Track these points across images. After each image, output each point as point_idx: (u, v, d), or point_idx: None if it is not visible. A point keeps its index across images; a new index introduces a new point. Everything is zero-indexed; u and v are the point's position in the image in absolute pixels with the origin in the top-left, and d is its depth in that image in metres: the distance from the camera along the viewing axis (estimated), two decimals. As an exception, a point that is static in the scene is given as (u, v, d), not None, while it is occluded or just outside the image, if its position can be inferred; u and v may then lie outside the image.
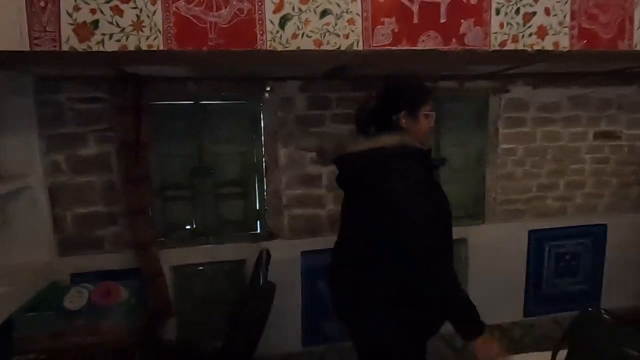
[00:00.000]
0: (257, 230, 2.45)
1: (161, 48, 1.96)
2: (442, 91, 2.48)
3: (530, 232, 2.71)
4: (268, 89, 2.30)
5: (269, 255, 2.14)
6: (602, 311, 1.28)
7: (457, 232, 2.57)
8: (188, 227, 2.38)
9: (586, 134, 2.71)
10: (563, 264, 2.77)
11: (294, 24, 2.05)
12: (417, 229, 1.32)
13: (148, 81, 2.15)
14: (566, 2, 2.33)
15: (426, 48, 2.15)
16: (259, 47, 2.03)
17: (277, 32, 2.04)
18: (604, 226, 2.79)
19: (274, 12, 2.03)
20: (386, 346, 1.47)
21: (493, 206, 2.65)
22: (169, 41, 1.97)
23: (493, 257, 2.66)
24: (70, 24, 1.77)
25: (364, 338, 1.54)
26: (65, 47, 1.76)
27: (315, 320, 2.51)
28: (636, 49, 2.40)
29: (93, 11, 1.79)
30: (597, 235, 2.79)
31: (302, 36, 2.07)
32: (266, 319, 1.93)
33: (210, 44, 1.98)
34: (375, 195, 1.39)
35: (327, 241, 2.43)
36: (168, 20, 1.95)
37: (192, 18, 1.96)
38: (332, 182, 2.40)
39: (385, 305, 1.44)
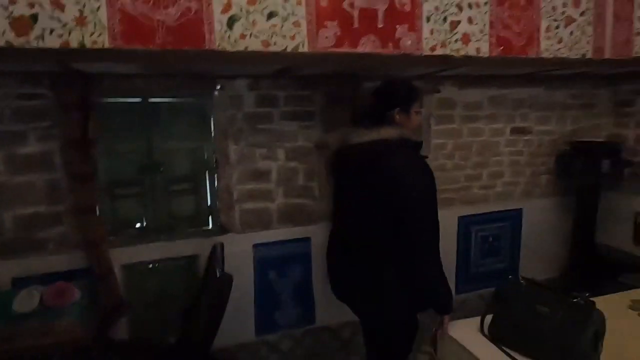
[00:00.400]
0: (209, 225, 2.50)
1: (107, 45, 1.95)
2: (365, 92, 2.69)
3: (460, 218, 3.02)
4: (218, 87, 2.35)
5: (223, 249, 2.22)
6: (520, 278, 1.53)
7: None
8: (138, 224, 2.37)
9: (504, 129, 3.07)
10: (487, 245, 3.13)
11: (242, 24, 2.13)
12: (423, 212, 1.52)
13: (94, 77, 2.11)
14: (485, 13, 2.63)
15: (367, 51, 2.34)
16: (207, 47, 2.09)
17: (226, 32, 2.11)
18: (520, 210, 3.19)
19: (222, 12, 2.09)
20: (394, 321, 1.71)
21: (427, 195, 2.93)
22: (115, 38, 1.97)
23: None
24: (6, 18, 1.71)
25: (375, 315, 1.75)
26: (0, 42, 1.70)
27: (268, 309, 2.62)
28: (542, 55, 2.78)
29: (31, 5, 1.74)
30: (514, 218, 3.18)
31: (250, 36, 2.16)
32: (224, 310, 2.00)
33: (158, 42, 2.01)
34: (384, 180, 1.54)
35: (278, 233, 2.58)
36: (113, 17, 1.94)
37: (138, 16, 1.97)
38: (281, 177, 2.54)
39: (396, 285, 1.62)
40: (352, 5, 2.31)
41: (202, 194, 2.47)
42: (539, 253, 3.26)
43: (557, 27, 2.82)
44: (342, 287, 1.84)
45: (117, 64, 2.04)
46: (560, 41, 2.84)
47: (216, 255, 2.19)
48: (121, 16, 1.95)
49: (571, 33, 2.87)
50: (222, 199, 2.47)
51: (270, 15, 2.20)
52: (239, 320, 2.46)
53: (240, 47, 2.14)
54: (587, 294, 1.34)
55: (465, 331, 1.57)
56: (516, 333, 1.41)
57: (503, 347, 1.42)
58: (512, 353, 1.39)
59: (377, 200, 1.57)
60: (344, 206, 1.77)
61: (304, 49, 2.25)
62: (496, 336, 1.47)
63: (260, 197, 2.54)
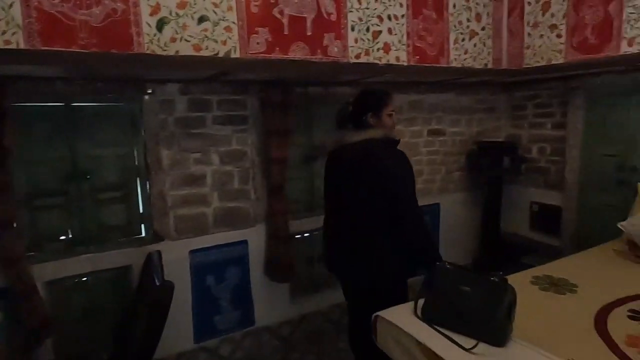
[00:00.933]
0: (141, 234, 2.42)
1: (22, 45, 1.83)
2: (312, 96, 2.80)
3: (386, 214, 3.25)
4: (149, 91, 2.29)
5: (160, 257, 2.17)
6: (446, 263, 1.72)
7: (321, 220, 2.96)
8: (63, 237, 2.22)
9: (422, 131, 3.36)
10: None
11: (172, 27, 2.11)
12: (409, 191, 1.89)
13: (9, 80, 1.95)
14: (403, 24, 2.87)
15: (297, 57, 2.44)
16: (135, 49, 2.04)
17: (155, 34, 2.08)
18: (438, 205, 3.51)
19: (151, 14, 2.06)
20: (391, 280, 1.95)
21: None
22: (32, 38, 1.85)
23: (359, 238, 3.12)
24: None
25: (375, 277, 1.92)
26: None
27: (207, 315, 2.60)
28: (452, 65, 3.10)
29: None
30: (433, 212, 3.49)
31: (181, 40, 2.15)
32: (165, 319, 1.97)
33: (81, 43, 1.92)
34: (375, 169, 1.87)
35: (214, 238, 2.57)
36: (29, 15, 1.83)
37: (57, 14, 1.87)
38: (216, 181, 2.54)
39: (391, 252, 1.89)
40: (281, 12, 2.40)
41: (133, 201, 2.38)
42: (455, 241, 3.61)
43: (463, 40, 3.17)
44: (341, 261, 2.06)
45: (35, 66, 1.91)
46: (466, 52, 3.20)
47: (153, 263, 2.14)
48: (38, 14, 1.84)
49: (475, 45, 3.24)
50: (155, 206, 2.40)
51: (201, 19, 2.20)
52: (176, 329, 2.41)
53: (171, 50, 2.12)
54: (501, 273, 1.56)
55: (401, 315, 1.73)
56: (445, 312, 1.59)
57: (435, 326, 1.60)
58: (443, 330, 1.57)
59: (371, 185, 1.88)
60: (342, 192, 2.02)
61: (236, 54, 2.29)
62: (428, 317, 1.65)
63: (195, 202, 2.52)
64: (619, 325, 1.63)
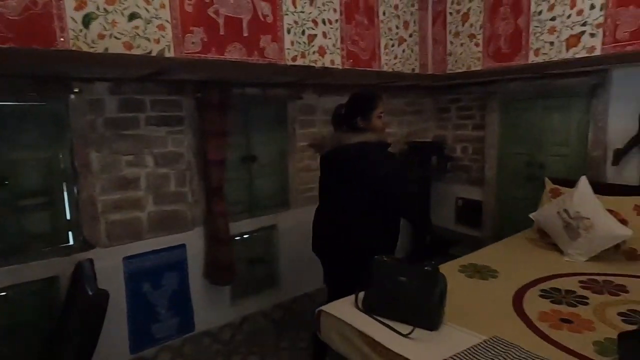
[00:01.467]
0: (69, 242, 2.26)
1: None
2: (249, 97, 2.80)
3: (324, 213, 3.33)
4: (76, 90, 2.16)
5: (92, 265, 2.05)
6: (383, 257, 1.82)
7: (268, 219, 2.99)
8: (-23, 249, 2.02)
9: (356, 132, 3.49)
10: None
11: (100, 23, 2.02)
12: (404, 181, 2.17)
13: None
14: (337, 29, 2.97)
15: (234, 59, 2.43)
16: (59, 45, 1.93)
17: (81, 30, 1.98)
18: (373, 202, 3.66)
19: (76, 9, 1.96)
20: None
21: (296, 194, 3.15)
22: None
23: (299, 238, 3.14)
24: None
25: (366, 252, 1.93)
26: None
27: (143, 324, 2.50)
28: (383, 69, 3.26)
29: None
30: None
31: (110, 37, 2.06)
32: (99, 330, 1.88)
33: (-5, 37, 1.78)
34: (369, 166, 2.05)
35: (150, 243, 2.49)
36: None
37: (-34, 5, 1.72)
38: (151, 184, 2.45)
39: (375, 237, 2.09)
40: (217, 12, 2.38)
41: (59, 207, 2.22)
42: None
43: (392, 45, 3.35)
44: (333, 244, 2.20)
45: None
46: (395, 57, 3.38)
47: (84, 273, 2.03)
48: (-58, 4, 1.68)
49: (403, 51, 3.44)
50: (85, 212, 2.27)
51: (132, 16, 2.13)
52: (111, 341, 2.29)
53: (100, 47, 2.02)
54: (433, 263, 1.69)
55: (343, 308, 1.81)
56: (384, 302, 1.69)
57: (374, 316, 1.69)
58: (382, 319, 1.67)
59: (365, 178, 2.06)
60: (339, 185, 2.16)
61: (170, 53, 2.24)
62: (368, 308, 1.74)
63: (128, 207, 2.41)
64: (533, 303, 1.84)
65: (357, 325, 1.67)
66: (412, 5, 3.47)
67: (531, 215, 2.64)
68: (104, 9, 2.03)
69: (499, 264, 2.28)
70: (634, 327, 1.57)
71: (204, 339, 2.75)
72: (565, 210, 2.39)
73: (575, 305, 1.82)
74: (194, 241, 2.67)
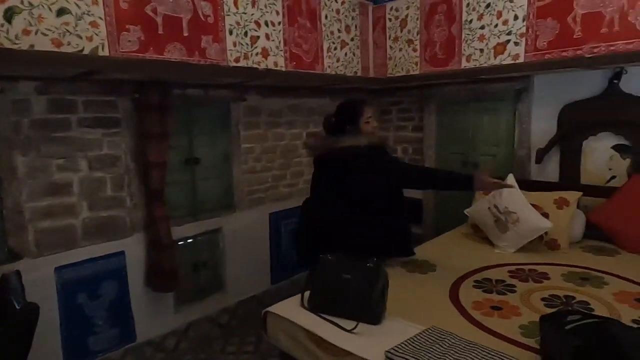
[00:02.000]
0: (-8, 253, 2.09)
1: None
2: (191, 98, 2.74)
3: (271, 214, 3.33)
4: (-2, 89, 2.00)
5: (20, 277, 1.91)
6: (327, 255, 1.86)
7: (213, 222, 2.95)
8: None
9: (301, 134, 3.53)
10: (294, 236, 3.51)
11: (24, 19, 1.92)
12: (396, 170, 2.22)
13: None
14: (280, 31, 2.99)
15: (174, 59, 2.37)
16: (-23, 41, 1.79)
17: (3, 25, 1.85)
18: (318, 203, 3.71)
19: (-4, 2, 1.82)
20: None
21: (241, 197, 3.12)
22: None
23: (245, 240, 3.14)
24: None
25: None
26: None
27: (78, 337, 2.36)
28: (326, 72, 3.32)
29: None
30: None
31: (37, 33, 1.95)
32: (29, 346, 1.76)
33: None
34: (363, 168, 2.12)
35: (85, 252, 2.38)
36: None
37: None
38: (85, 189, 2.34)
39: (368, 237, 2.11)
40: (154, 11, 2.32)
41: (-21, 216, 2.05)
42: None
43: (335, 49, 3.42)
44: (323, 245, 2.10)
45: None
46: (338, 60, 3.46)
47: (10, 285, 1.88)
48: None
49: (346, 54, 3.52)
50: (10, 220, 2.11)
51: (61, 12, 2.03)
52: (42, 357, 2.15)
53: (24, 44, 1.90)
54: (376, 259, 1.76)
55: (289, 308, 1.83)
56: (329, 300, 1.73)
57: (320, 314, 1.73)
58: (327, 317, 1.70)
59: (357, 179, 2.13)
60: (331, 187, 2.23)
61: (105, 51, 2.15)
62: (314, 306, 1.77)
63: (60, 214, 2.27)
64: (467, 294, 1.97)
65: (303, 323, 1.70)
66: (353, 10, 3.57)
67: (465, 212, 2.81)
68: (29, 2, 1.92)
69: (437, 258, 2.41)
70: (553, 310, 1.73)
71: (146, 348, 2.65)
72: (495, 206, 2.57)
73: (504, 294, 1.96)
74: (133, 248, 2.56)
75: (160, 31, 2.36)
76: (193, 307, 2.90)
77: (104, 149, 2.41)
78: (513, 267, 2.29)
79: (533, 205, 2.54)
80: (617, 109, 2.69)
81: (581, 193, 2.61)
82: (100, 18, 2.13)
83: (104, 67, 2.08)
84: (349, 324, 1.63)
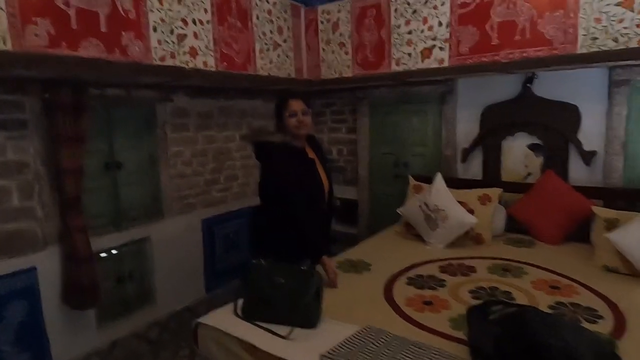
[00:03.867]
0: None
1: None
2: (111, 98, 2.55)
3: (203, 220, 3.19)
4: None
5: None
6: (260, 260, 1.80)
7: (139, 231, 2.76)
8: None
9: (234, 136, 3.43)
10: (229, 242, 3.42)
11: None
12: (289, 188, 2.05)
13: None
14: (209, 30, 2.88)
15: (90, 56, 2.19)
16: None
17: None
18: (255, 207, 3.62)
19: None
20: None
21: (170, 203, 2.96)
22: None
23: (175, 248, 2.98)
24: None
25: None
26: None
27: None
28: (259, 73, 3.26)
29: None
30: (249, 214, 3.57)
31: None
32: None
33: None
34: (263, 167, 2.24)
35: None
36: None
37: None
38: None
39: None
40: (67, 3, 2.13)
41: None
42: (272, 241, 3.79)
43: (267, 50, 3.37)
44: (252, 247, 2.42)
45: None
46: (271, 62, 3.41)
47: None
48: None
49: (278, 56, 3.48)
50: None
51: (-50, -1, 1.78)
52: None
53: None
54: (310, 263, 1.73)
55: (221, 318, 1.75)
56: (262, 306, 1.68)
57: (254, 322, 1.66)
58: (262, 324, 1.64)
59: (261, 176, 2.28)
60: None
61: (7, 45, 1.93)
62: (248, 314, 1.70)
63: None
64: (401, 291, 2.00)
65: (236, 333, 1.62)
66: (285, 12, 3.54)
67: (398, 210, 2.89)
68: None
69: (372, 257, 2.44)
70: (479, 301, 1.80)
71: (65, 372, 2.41)
72: (425, 204, 2.66)
73: (435, 288, 2.03)
74: (47, 263, 2.32)
75: (73, 25, 2.17)
76: (118, 323, 2.69)
77: (9, 154, 2.16)
78: (443, 263, 2.38)
79: (460, 202, 2.66)
80: (531, 110, 2.91)
81: (501, 190, 2.79)
82: (1, 9, 1.91)
83: (3, 63, 1.86)
84: (284, 329, 1.59)
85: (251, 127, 3.50)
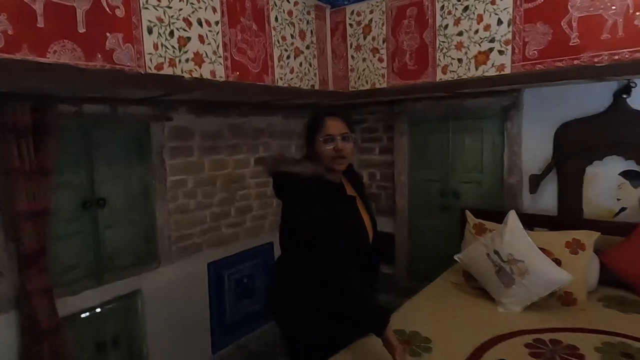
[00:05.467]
0: None
1: None
2: (91, 117, 2.01)
3: (209, 264, 2.61)
4: None
5: None
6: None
7: (127, 284, 2.18)
8: None
9: (248, 160, 2.86)
10: (241, 288, 2.83)
11: None
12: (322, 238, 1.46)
13: None
14: (218, 33, 2.35)
15: (62, 62, 1.66)
16: None
17: None
18: (271, 244, 3.03)
19: None
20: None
21: (168, 245, 2.39)
22: None
23: (173, 302, 2.40)
24: None
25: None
26: None
27: None
28: (278, 84, 2.70)
29: None
30: (266, 253, 3.00)
31: None
32: None
33: None
34: (285, 210, 1.64)
35: None
36: None
37: None
38: None
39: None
40: (33, -4, 1.60)
41: None
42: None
43: (288, 57, 2.82)
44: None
45: None
46: (292, 71, 2.86)
47: None
48: None
49: (300, 64, 2.93)
50: None
51: None
52: None
53: None
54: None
55: None
56: None
57: None
58: None
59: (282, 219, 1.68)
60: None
61: (-57, 48, 1.41)
62: None
63: None
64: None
65: None
66: (308, 13, 3.00)
67: (457, 258, 2.25)
68: None
69: (430, 327, 1.81)
70: None
71: None
72: (497, 252, 2.03)
73: (535, 391, 1.39)
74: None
75: (40, 24, 1.64)
76: (99, 404, 2.11)
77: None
78: (529, 338, 1.73)
79: (541, 250, 2.02)
80: (626, 128, 2.27)
81: (599, 233, 2.12)
82: None
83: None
84: None
85: (270, 154, 2.93)
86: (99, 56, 1.85)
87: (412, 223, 3.17)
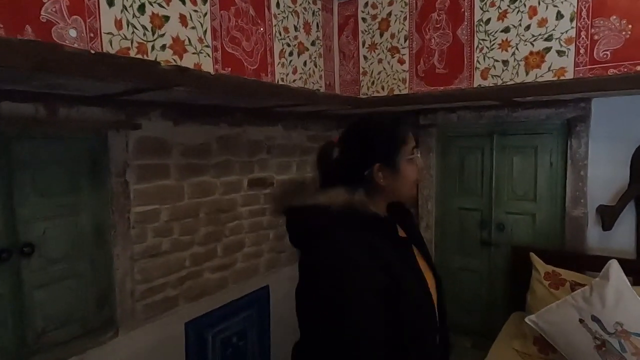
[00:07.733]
0: None
1: None
2: (12, 121, 1.33)
3: (188, 323, 1.93)
4: None
5: None
6: None
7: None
8: None
9: (240, 183, 2.21)
10: (230, 350, 2.16)
11: None
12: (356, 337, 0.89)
13: None
14: (206, 14, 1.74)
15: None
16: None
17: None
18: (267, 288, 2.39)
19: None
20: None
21: (131, 303, 1.70)
22: None
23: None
24: None
25: None
26: None
27: None
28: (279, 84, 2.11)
29: None
30: (261, 300, 2.35)
31: None
32: None
33: None
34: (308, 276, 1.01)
35: None
36: None
37: None
38: None
39: None
40: None
41: None
42: (289, 331, 2.55)
43: (290, 54, 2.24)
44: None
45: None
46: (295, 71, 2.28)
47: None
48: None
49: (305, 63, 2.35)
50: None
51: None
52: None
53: None
54: None
55: None
56: None
57: None
58: None
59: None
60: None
61: None
62: None
63: None
64: None
65: None
66: (314, 3, 2.43)
67: (529, 321, 1.67)
68: None
69: None
70: None
71: None
72: (596, 319, 1.46)
73: None
74: None
75: None
76: None
77: None
78: None
79: None
80: None
81: None
82: None
83: None
84: None
85: (279, 187, 2.31)
86: (29, 30, 1.22)
87: (443, 260, 2.58)
